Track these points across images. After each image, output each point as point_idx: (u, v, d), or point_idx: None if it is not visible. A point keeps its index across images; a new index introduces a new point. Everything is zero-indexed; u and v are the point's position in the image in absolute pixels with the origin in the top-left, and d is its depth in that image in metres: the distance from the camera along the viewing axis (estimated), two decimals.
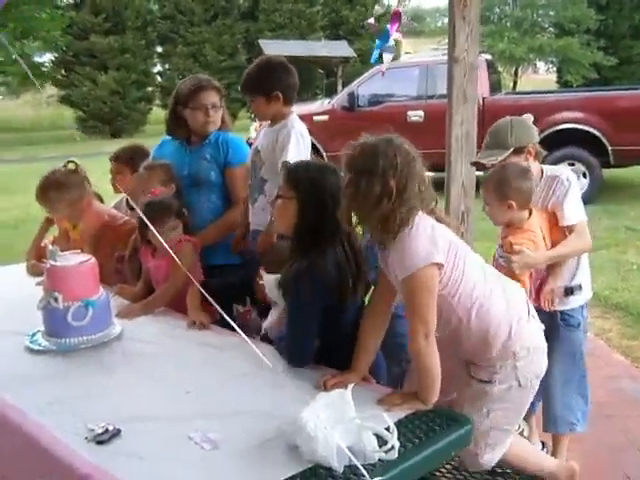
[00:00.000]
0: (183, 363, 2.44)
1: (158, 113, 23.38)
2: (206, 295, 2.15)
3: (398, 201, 2.02)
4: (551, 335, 2.53)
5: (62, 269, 2.59)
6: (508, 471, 2.44)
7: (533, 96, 10.49)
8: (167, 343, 2.64)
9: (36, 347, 2.61)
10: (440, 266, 2.05)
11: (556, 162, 8.88)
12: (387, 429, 1.79)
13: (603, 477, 3.23)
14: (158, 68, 27.47)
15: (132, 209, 3.49)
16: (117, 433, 1.95)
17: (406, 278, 2.04)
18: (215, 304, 2.11)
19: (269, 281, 2.51)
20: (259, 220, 3.08)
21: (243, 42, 25.82)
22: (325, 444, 1.68)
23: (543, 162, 2.92)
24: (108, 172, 3.92)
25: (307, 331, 2.34)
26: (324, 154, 10.70)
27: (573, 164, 9.12)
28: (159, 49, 27.14)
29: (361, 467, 1.68)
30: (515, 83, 26.26)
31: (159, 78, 26.82)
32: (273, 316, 2.58)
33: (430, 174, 3.46)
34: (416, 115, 9.90)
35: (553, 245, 2.70)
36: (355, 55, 20.67)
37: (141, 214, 2.56)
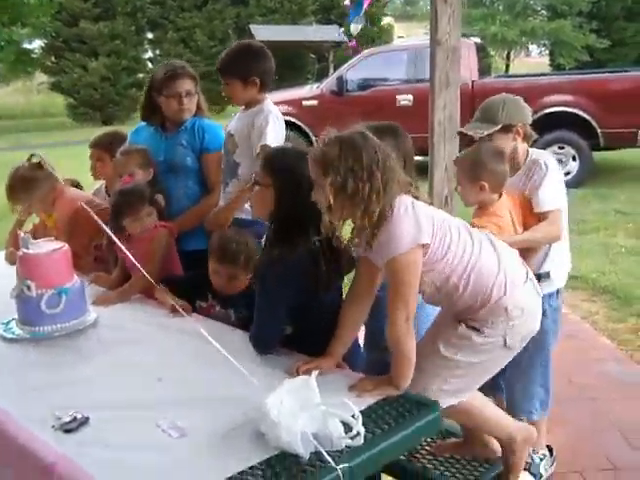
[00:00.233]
0: (157, 350, 2.43)
1: None
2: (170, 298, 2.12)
3: (384, 196, 1.99)
4: None
5: (34, 257, 2.57)
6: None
7: (523, 79, 10.44)
8: (143, 330, 2.62)
9: (9, 335, 2.60)
10: (426, 246, 2.02)
11: (546, 145, 8.87)
12: (353, 416, 1.77)
13: (584, 459, 3.25)
14: (149, 54, 27.22)
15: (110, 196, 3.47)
16: (85, 421, 1.94)
17: (390, 261, 2.02)
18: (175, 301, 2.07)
19: None
20: (226, 204, 3.07)
21: (234, 27, 25.59)
22: (288, 430, 1.67)
23: (532, 145, 2.89)
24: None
25: (273, 318, 2.33)
26: (313, 139, 10.67)
27: (563, 147, 9.11)
28: (149, 35, 26.89)
29: (325, 453, 1.67)
30: (507, 66, 26.10)
31: (150, 64, 26.60)
32: None
33: (419, 158, 3.45)
34: (405, 99, 9.84)
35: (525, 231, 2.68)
36: (347, 40, 20.55)
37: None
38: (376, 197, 1.98)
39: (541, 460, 3.07)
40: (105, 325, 2.68)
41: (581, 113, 9.06)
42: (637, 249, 6.65)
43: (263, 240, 2.60)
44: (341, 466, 1.68)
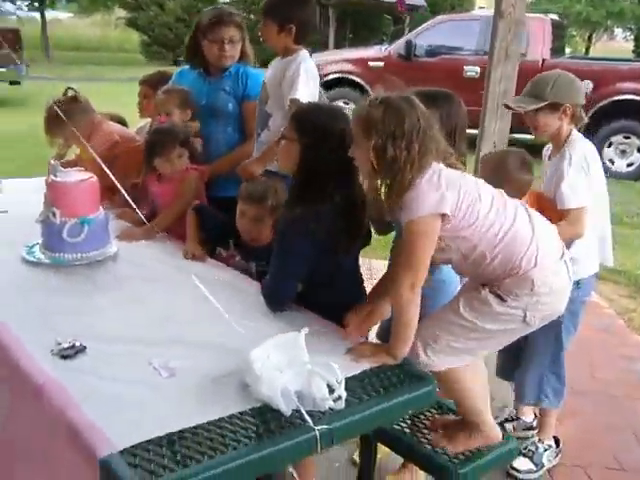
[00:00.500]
0: (167, 290, 2.46)
1: None
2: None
3: (418, 166, 1.96)
4: None
5: (61, 185, 2.61)
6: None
7: (597, 63, 10.05)
8: (158, 269, 2.66)
9: (31, 259, 2.66)
10: (446, 216, 1.98)
11: (611, 134, 8.60)
12: (337, 380, 1.76)
13: (591, 455, 3.19)
14: None
15: None
16: (82, 350, 1.98)
17: (407, 223, 1.99)
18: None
19: None
20: (259, 155, 3.05)
21: None
22: (270, 385, 1.67)
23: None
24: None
25: (289, 275, 2.31)
26: None
27: (629, 137, 8.79)
28: None
29: (305, 412, 1.67)
30: (587, 48, 25.21)
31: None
32: None
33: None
34: (472, 71, 9.61)
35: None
36: (425, 4, 20.11)
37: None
38: (410, 167, 1.95)
39: (545, 450, 3.04)
40: (124, 259, 2.72)
41: None
42: None
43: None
44: (319, 427, 1.67)
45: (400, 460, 2.82)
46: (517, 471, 2.98)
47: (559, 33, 10.18)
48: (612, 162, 8.79)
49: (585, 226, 2.62)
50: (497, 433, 2.26)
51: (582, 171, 2.63)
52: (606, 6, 22.90)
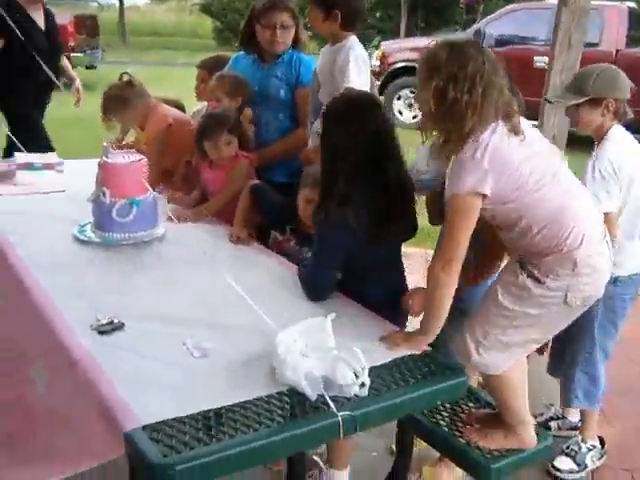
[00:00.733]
0: (207, 272, 2.48)
1: None
2: None
3: (479, 113, 1.91)
4: None
5: (111, 166, 2.68)
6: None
7: None
8: (202, 251, 2.68)
9: (82, 237, 2.75)
10: (486, 196, 1.94)
11: None
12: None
13: (639, 459, 3.09)
14: None
15: None
16: (120, 327, 2.04)
17: (449, 197, 1.97)
18: None
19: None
20: (315, 144, 3.04)
21: None
22: (294, 369, 1.68)
23: None
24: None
25: (324, 266, 2.32)
26: None
27: None
28: None
29: (328, 397, 1.68)
30: None
31: None
32: None
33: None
34: (542, 61, 9.34)
35: None
36: None
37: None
38: (471, 112, 1.90)
39: (589, 450, 2.97)
40: (171, 241, 2.78)
41: None
42: None
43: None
44: (342, 413, 1.68)
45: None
46: (558, 470, 2.92)
47: (636, 22, 9.78)
48: None
49: (615, 232, 2.51)
50: (532, 438, 2.20)
51: (605, 178, 2.54)
52: None
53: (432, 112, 1.96)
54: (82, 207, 2.88)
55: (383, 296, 2.36)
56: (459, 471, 2.67)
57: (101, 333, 2.00)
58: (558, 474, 2.93)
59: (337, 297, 2.34)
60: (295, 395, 1.74)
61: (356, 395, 1.75)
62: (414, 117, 10.82)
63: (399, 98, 10.90)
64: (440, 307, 2.01)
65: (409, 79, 10.75)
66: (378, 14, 23.73)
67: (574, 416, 3.18)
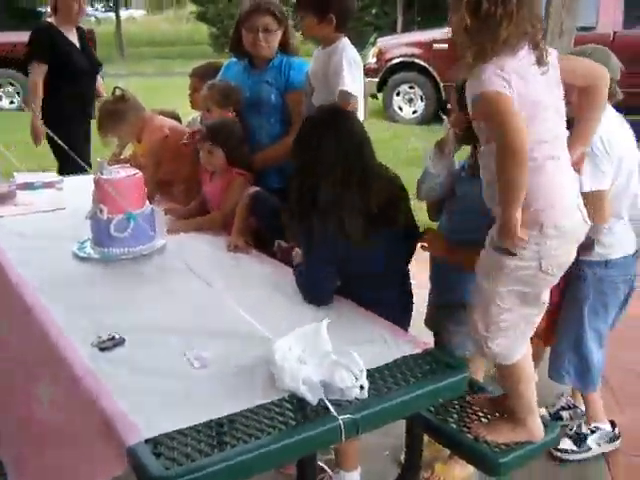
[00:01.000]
0: (208, 283, 2.47)
1: None
2: None
3: (515, 22, 1.88)
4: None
5: (107, 182, 2.69)
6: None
7: None
8: (203, 262, 2.69)
9: (82, 254, 2.76)
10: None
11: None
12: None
13: None
14: None
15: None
16: (121, 342, 2.05)
17: (476, 102, 1.93)
18: None
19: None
20: None
21: None
22: (292, 375, 1.69)
23: None
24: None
25: (316, 262, 2.34)
26: (440, 84, 10.40)
27: None
28: None
29: (327, 402, 1.68)
30: None
31: None
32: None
33: None
34: None
35: None
36: None
37: None
38: (507, 23, 1.88)
39: (593, 432, 2.97)
40: (170, 252, 2.77)
41: None
42: None
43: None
44: (343, 417, 1.68)
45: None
46: (559, 451, 2.93)
47: (633, 2, 9.70)
48: None
49: (606, 211, 2.53)
50: (540, 430, 2.19)
51: (597, 155, 2.51)
52: None
53: (467, 29, 1.93)
54: (82, 224, 2.88)
55: (397, 300, 2.39)
56: (471, 467, 2.68)
57: (102, 350, 2.02)
58: (558, 454, 2.94)
59: (336, 300, 2.35)
60: (295, 401, 1.75)
61: (357, 398, 1.76)
62: (414, 112, 10.83)
63: (398, 94, 10.88)
64: (515, 186, 1.90)
65: (407, 74, 10.76)
66: (374, 11, 23.71)
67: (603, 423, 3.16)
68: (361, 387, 1.71)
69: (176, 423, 1.66)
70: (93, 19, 30.74)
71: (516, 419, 2.19)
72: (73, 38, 4.99)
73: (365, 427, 1.75)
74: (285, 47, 3.36)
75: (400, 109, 10.91)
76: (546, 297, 2.12)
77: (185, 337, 2.08)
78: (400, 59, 10.76)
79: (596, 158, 2.51)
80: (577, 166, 2.12)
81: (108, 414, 1.71)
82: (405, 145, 8.82)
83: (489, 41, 1.91)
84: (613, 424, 3.02)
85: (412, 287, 2.64)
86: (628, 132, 2.72)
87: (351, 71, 2.89)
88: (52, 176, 3.99)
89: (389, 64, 10.82)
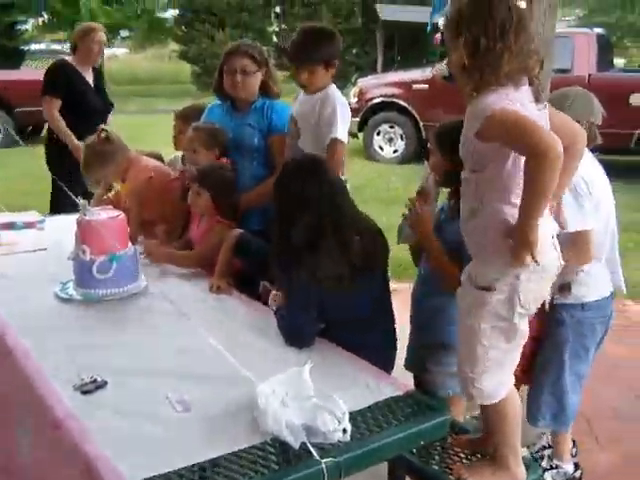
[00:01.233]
0: (191, 324, 2.47)
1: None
2: None
3: (517, 56, 1.91)
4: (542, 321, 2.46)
5: (90, 223, 2.70)
6: None
7: None
8: (186, 303, 2.68)
9: (64, 295, 2.76)
10: None
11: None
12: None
13: None
14: (274, 27, 27.62)
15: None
16: (103, 385, 2.05)
17: (486, 126, 1.89)
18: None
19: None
20: None
21: (360, 5, 25.50)
22: (275, 419, 1.70)
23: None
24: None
25: (298, 308, 2.36)
26: (420, 124, 10.54)
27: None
28: (277, 9, 27.29)
29: (310, 445, 1.69)
30: None
31: (274, 38, 27.04)
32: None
33: None
34: None
35: None
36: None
37: None
38: (509, 56, 1.90)
39: (552, 468, 2.98)
40: (152, 294, 2.78)
41: None
42: None
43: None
44: (325, 460, 1.69)
45: None
46: None
47: (605, 47, 10.00)
48: None
49: (590, 251, 2.57)
50: (522, 474, 2.19)
51: (581, 195, 2.55)
52: None
53: (466, 67, 1.95)
54: (64, 265, 2.89)
55: (382, 341, 2.42)
56: None
57: (84, 392, 2.01)
58: None
59: (318, 342, 2.37)
60: (278, 445, 1.75)
61: (339, 441, 1.76)
62: (394, 151, 10.95)
63: (379, 133, 11.01)
64: (546, 190, 1.87)
65: (388, 114, 10.90)
66: (355, 50, 24.12)
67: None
68: (344, 430, 1.72)
69: (159, 467, 1.66)
70: None
71: (498, 461, 2.20)
72: (89, 78, 5.15)
73: (348, 470, 1.75)
74: (266, 90, 3.42)
75: (381, 148, 11.04)
76: (525, 329, 2.13)
77: (168, 379, 2.08)
78: (380, 99, 10.91)
79: (580, 198, 2.55)
80: (554, 213, 2.17)
81: (91, 458, 1.70)
82: (386, 184, 8.92)
83: (490, 74, 1.93)
84: (577, 466, 3.02)
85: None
86: (602, 174, 2.78)
87: (344, 120, 2.98)
88: (33, 215, 4.00)
89: (370, 104, 10.96)
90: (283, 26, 26.71)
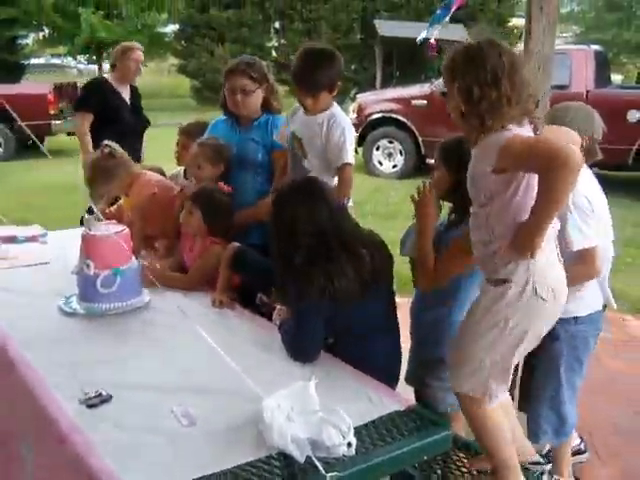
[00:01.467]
0: (194, 339, 2.49)
1: None
2: None
3: (517, 101, 1.95)
4: None
5: (94, 238, 2.72)
6: None
7: None
8: (189, 318, 2.71)
9: (67, 309, 2.77)
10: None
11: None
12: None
13: None
14: (273, 43, 27.76)
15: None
16: (108, 399, 2.06)
17: (501, 152, 1.93)
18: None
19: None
20: None
21: (359, 21, 25.67)
22: (280, 433, 1.71)
23: None
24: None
25: (310, 329, 2.37)
26: (419, 139, 10.59)
27: None
28: (276, 24, 27.45)
29: (315, 459, 1.70)
30: None
31: (274, 53, 27.18)
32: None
33: None
34: None
35: None
36: (467, 38, 20.16)
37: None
38: (507, 101, 1.95)
39: None
40: (155, 308, 2.80)
41: None
42: None
43: None
44: (330, 474, 1.70)
45: None
46: None
47: (603, 63, 10.08)
48: None
49: (599, 265, 2.59)
50: None
51: (585, 212, 2.58)
52: None
53: (464, 113, 2.02)
54: (67, 279, 2.91)
55: (388, 355, 2.47)
56: None
57: (89, 406, 2.02)
58: None
59: (322, 357, 2.38)
60: (283, 458, 1.77)
61: (344, 455, 1.78)
62: (394, 166, 10.99)
63: (378, 149, 11.06)
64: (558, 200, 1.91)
65: (387, 129, 10.95)
66: (353, 67, 24.25)
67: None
68: (349, 444, 1.74)
69: None
70: (75, 71, 31.12)
71: (498, 477, 2.21)
72: (126, 95, 5.28)
73: None
74: (268, 106, 3.44)
75: (380, 163, 11.08)
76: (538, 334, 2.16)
77: (172, 393, 2.10)
78: (380, 114, 10.97)
79: (584, 216, 2.57)
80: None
81: (96, 471, 1.72)
82: (385, 199, 8.96)
83: (491, 120, 1.97)
84: (577, 478, 3.03)
85: None
86: (600, 190, 2.80)
87: (351, 142, 3.04)
88: (35, 229, 4.01)
89: (369, 119, 11.02)
90: (282, 41, 26.85)
